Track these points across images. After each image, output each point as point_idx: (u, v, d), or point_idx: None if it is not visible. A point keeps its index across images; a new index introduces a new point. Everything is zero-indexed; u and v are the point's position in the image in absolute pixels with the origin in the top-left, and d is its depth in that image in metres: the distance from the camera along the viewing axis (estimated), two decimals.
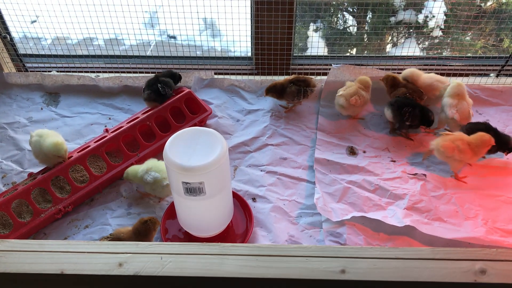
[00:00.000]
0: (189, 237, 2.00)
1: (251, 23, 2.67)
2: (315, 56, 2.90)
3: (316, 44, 2.80)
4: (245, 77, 2.79)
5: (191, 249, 1.24)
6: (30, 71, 2.84)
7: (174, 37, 3.52)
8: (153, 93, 2.43)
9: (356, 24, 4.20)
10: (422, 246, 1.97)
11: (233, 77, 2.77)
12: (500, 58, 2.78)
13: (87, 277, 1.20)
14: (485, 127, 2.26)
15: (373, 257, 1.22)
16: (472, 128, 2.26)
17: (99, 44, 2.84)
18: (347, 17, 4.22)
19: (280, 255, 1.22)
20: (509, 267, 1.20)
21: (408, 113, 2.33)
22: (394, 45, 4.01)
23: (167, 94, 2.45)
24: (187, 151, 1.69)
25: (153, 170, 2.06)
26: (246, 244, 1.26)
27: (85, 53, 2.85)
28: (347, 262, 1.21)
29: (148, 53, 3.05)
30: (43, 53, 2.85)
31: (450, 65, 2.85)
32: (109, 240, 1.83)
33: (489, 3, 3.46)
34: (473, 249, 1.24)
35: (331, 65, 2.66)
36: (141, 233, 1.85)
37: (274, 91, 2.52)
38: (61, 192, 2.16)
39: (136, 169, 2.11)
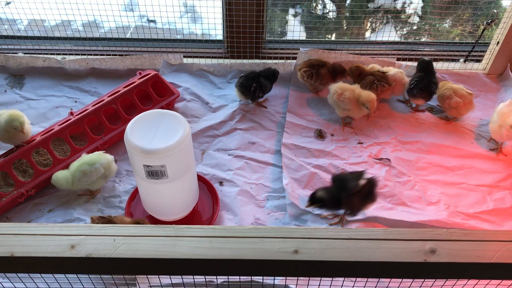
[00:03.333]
0: (154, 221, 1.99)
1: (222, 6, 2.64)
2: (286, 40, 2.88)
3: (295, 29, 2.78)
4: (214, 60, 2.76)
5: (144, 232, 1.23)
6: None
7: (153, 21, 3.46)
8: (245, 87, 2.42)
9: (335, 10, 4.19)
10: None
11: (202, 60, 2.74)
12: (467, 44, 2.80)
13: (38, 260, 1.19)
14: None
15: (326, 238, 1.23)
16: None
17: (80, 27, 2.76)
18: (326, 2, 4.20)
19: (234, 236, 1.22)
20: (458, 246, 1.22)
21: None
22: (373, 31, 4.02)
23: (256, 95, 2.45)
24: (149, 134, 1.67)
25: (88, 164, 2.00)
26: (200, 226, 1.26)
27: (63, 35, 2.76)
28: (300, 243, 1.21)
29: (127, 36, 2.99)
30: (9, 34, 2.77)
31: (421, 50, 2.87)
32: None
33: None
34: (425, 229, 1.26)
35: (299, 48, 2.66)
36: None
37: None
38: (23, 176, 2.11)
39: (66, 174, 2.02)
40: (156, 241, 1.21)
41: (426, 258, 1.19)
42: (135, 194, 2.08)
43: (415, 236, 1.24)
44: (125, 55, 2.72)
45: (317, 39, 3.04)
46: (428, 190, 2.15)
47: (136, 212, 2.04)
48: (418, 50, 2.84)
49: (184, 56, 2.74)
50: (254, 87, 2.41)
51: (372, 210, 2.00)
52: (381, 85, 2.44)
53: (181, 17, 3.39)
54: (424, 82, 2.43)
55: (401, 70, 2.55)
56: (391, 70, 2.53)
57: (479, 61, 2.76)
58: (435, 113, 2.55)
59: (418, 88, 2.42)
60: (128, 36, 3.01)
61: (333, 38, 3.63)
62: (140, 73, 2.45)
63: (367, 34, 4.05)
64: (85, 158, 2.03)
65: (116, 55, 2.74)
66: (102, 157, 2.04)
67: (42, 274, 1.37)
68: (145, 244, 1.20)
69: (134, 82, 2.37)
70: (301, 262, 1.18)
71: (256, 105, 2.53)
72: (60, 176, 2.02)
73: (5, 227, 1.24)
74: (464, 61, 2.80)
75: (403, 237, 1.24)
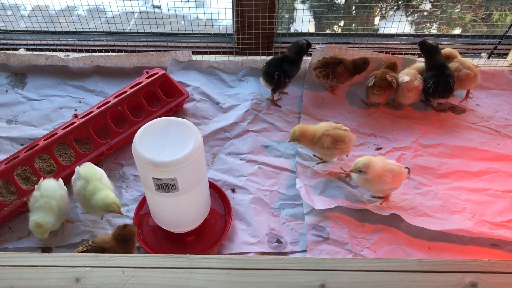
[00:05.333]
0: (163, 232, 1.89)
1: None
2: (300, 33, 2.74)
3: (303, 16, 2.63)
4: (225, 57, 2.63)
5: (156, 262, 1.13)
6: None
7: (158, 7, 3.33)
8: (268, 76, 2.32)
9: None
10: (409, 238, 1.89)
11: (212, 57, 2.61)
12: (494, 37, 2.65)
13: None
14: None
15: (355, 270, 1.12)
16: None
17: (83, 14, 2.63)
18: None
19: (254, 268, 1.12)
20: (502, 279, 1.11)
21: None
22: (383, 17, 3.86)
23: (281, 83, 2.34)
24: (158, 144, 1.56)
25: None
26: (216, 256, 1.15)
27: (66, 22, 2.63)
28: (327, 276, 1.11)
29: (132, 23, 2.85)
30: (8, 29, 2.64)
31: (440, 44, 2.70)
32: (89, 250, 1.65)
33: None
34: (463, 259, 1.15)
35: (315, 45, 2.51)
36: (124, 239, 1.68)
37: None
38: (26, 184, 2.02)
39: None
40: (169, 273, 1.11)
41: None
42: (143, 203, 1.98)
43: (452, 267, 1.13)
44: (131, 51, 2.59)
45: (334, 33, 2.90)
46: (451, 198, 2.03)
47: (145, 222, 1.94)
48: (439, 44, 2.68)
49: (193, 52, 2.60)
50: (277, 74, 2.29)
51: (393, 213, 1.89)
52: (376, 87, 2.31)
53: (187, 2, 3.27)
54: (442, 82, 2.29)
55: (418, 80, 2.34)
56: (406, 76, 2.34)
57: (504, 56, 2.61)
58: (458, 112, 2.42)
59: (439, 91, 2.29)
60: (132, 22, 2.87)
61: (341, 25, 3.47)
62: (147, 72, 2.32)
63: (377, 21, 3.89)
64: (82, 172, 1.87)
65: (121, 50, 2.61)
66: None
67: None
68: (157, 277, 1.10)
69: (141, 82, 2.25)
70: None
71: (272, 102, 2.42)
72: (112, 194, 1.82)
73: (4, 258, 1.14)
74: (488, 57, 2.64)
75: (439, 269, 1.13)
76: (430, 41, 2.37)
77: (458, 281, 1.10)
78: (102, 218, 1.95)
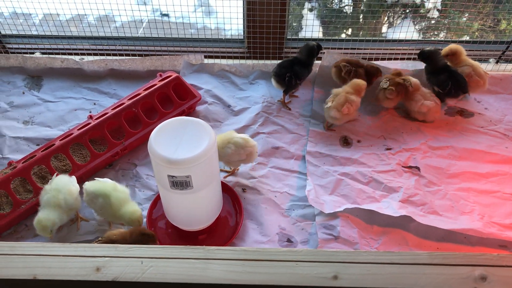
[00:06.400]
0: (176, 230, 1.92)
1: (243, 4, 2.55)
2: (310, 39, 2.78)
3: (311, 24, 2.67)
4: (236, 61, 2.68)
5: (173, 253, 1.16)
6: (11, 52, 2.70)
7: (167, 15, 3.39)
8: (279, 77, 2.37)
9: (351, 4, 4.08)
10: (417, 239, 1.92)
11: (223, 61, 2.66)
12: (502, 43, 2.67)
13: (62, 283, 1.13)
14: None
15: (367, 262, 1.15)
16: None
17: (93, 21, 2.69)
18: None
19: (268, 259, 1.15)
20: (511, 273, 1.13)
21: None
22: (390, 25, 3.90)
23: (292, 85, 2.38)
24: (173, 142, 1.60)
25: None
26: (232, 247, 1.18)
27: (76, 31, 2.70)
28: (340, 268, 1.14)
29: (140, 31, 2.91)
30: (26, 33, 2.71)
31: None
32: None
33: None
34: (472, 253, 1.17)
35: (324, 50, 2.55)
36: (135, 242, 1.72)
37: None
38: (42, 182, 2.06)
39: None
40: (186, 264, 1.14)
41: (477, 285, 1.11)
42: (156, 201, 2.02)
43: (462, 261, 1.15)
44: (145, 55, 2.65)
45: (343, 38, 2.94)
46: (460, 199, 2.05)
47: (158, 220, 1.98)
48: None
49: (205, 56, 2.65)
50: (288, 76, 2.33)
51: (403, 215, 1.91)
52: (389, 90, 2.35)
53: (194, 11, 3.33)
54: (459, 78, 2.36)
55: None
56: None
57: None
58: (466, 116, 2.44)
59: (462, 87, 2.36)
60: (141, 30, 2.93)
61: (349, 33, 3.52)
62: (160, 75, 2.37)
63: (384, 29, 3.93)
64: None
65: (135, 54, 2.67)
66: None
67: None
68: (175, 267, 1.14)
69: (155, 85, 2.30)
70: None
71: (282, 104, 2.46)
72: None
73: (27, 247, 1.18)
74: (496, 62, 2.67)
75: (449, 262, 1.15)
76: (427, 48, 2.43)
77: (467, 274, 1.13)
78: (110, 227, 1.98)
